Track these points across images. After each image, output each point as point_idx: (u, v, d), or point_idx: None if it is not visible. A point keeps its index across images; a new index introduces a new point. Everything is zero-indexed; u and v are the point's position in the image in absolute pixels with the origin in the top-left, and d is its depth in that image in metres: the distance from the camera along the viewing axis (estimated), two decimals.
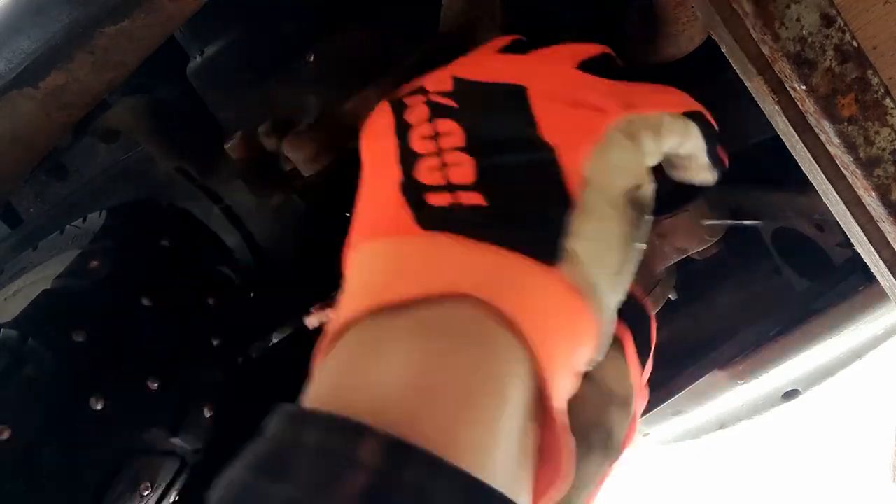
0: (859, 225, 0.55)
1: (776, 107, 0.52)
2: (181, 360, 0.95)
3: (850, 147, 0.49)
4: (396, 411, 0.28)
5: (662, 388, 1.03)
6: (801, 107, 0.50)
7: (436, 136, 0.41)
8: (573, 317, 0.36)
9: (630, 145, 0.43)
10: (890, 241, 0.54)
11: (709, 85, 0.82)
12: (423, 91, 0.46)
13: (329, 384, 0.32)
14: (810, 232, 1.00)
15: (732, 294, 1.16)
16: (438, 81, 0.46)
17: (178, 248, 1.00)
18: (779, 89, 0.51)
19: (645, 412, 1.02)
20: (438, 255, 0.35)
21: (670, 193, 0.88)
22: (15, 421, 0.86)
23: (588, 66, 0.47)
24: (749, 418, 1.27)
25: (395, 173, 0.40)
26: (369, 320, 0.33)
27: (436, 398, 0.29)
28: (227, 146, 0.81)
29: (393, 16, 0.83)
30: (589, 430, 0.52)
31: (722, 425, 1.29)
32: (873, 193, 0.50)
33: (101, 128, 0.96)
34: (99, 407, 0.83)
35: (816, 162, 0.54)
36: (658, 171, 0.49)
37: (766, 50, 0.49)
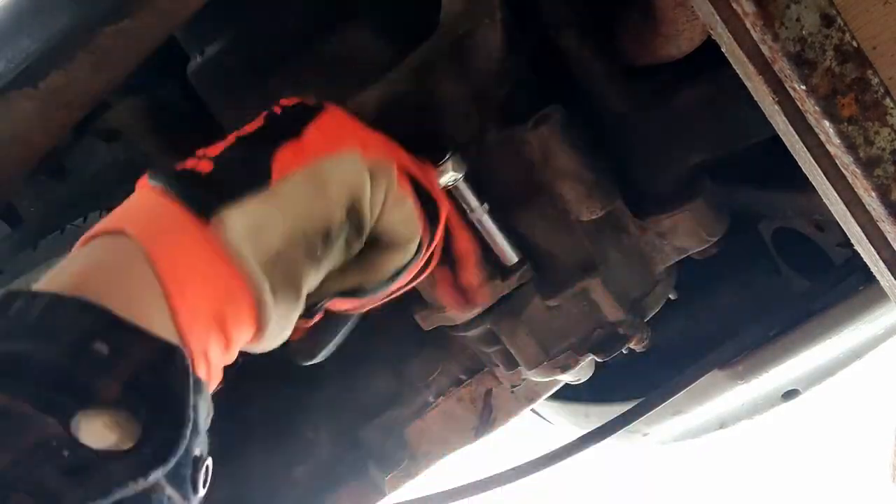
0: (859, 225, 0.55)
1: (776, 107, 0.52)
2: None
3: (850, 147, 0.49)
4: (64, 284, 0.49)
5: (663, 388, 1.02)
6: (801, 107, 0.50)
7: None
8: (207, 261, 0.52)
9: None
10: (890, 241, 0.54)
11: (709, 84, 0.82)
12: None
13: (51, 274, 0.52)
14: (810, 232, 1.00)
15: (732, 294, 1.16)
16: None
17: None
18: (779, 89, 0.51)
19: (645, 411, 1.02)
20: (134, 204, 0.56)
21: (670, 193, 0.89)
22: None
23: None
24: (749, 418, 1.27)
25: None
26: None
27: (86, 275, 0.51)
28: None
29: (393, 15, 0.83)
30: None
31: (722, 425, 1.29)
32: (873, 193, 0.50)
33: (101, 128, 0.96)
34: None
35: (816, 162, 0.54)
36: (652, 166, 0.49)
37: (766, 50, 0.49)
